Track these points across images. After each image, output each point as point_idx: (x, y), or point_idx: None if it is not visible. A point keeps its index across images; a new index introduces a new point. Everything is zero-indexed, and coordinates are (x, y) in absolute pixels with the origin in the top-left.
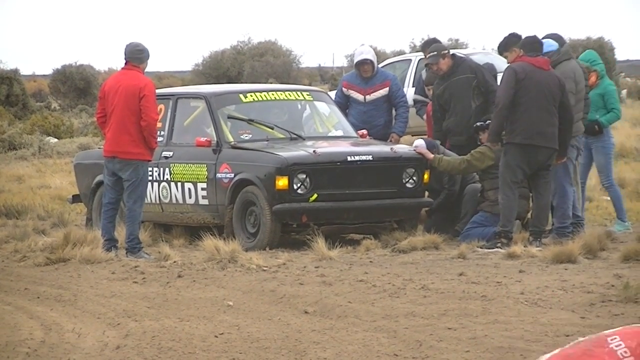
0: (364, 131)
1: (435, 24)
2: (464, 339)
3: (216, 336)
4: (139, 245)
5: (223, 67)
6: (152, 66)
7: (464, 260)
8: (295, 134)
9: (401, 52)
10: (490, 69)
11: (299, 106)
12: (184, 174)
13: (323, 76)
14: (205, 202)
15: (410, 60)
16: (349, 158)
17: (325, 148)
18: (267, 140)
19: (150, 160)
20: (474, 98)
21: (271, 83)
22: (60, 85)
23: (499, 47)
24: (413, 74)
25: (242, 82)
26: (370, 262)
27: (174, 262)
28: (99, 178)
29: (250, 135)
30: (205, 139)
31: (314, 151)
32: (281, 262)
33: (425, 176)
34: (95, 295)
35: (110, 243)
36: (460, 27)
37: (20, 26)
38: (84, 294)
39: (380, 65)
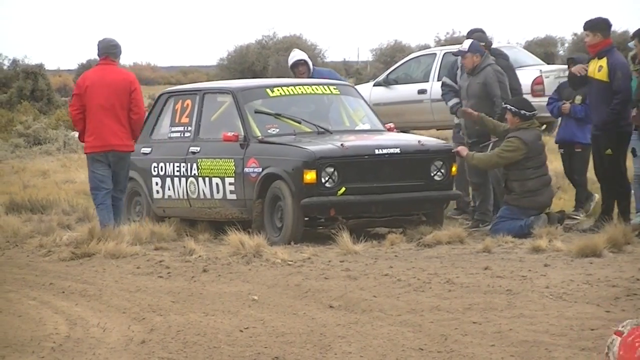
0: (392, 124)
1: (460, 18)
2: (489, 333)
3: (241, 330)
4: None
5: (248, 62)
6: (176, 60)
7: (489, 254)
8: (322, 128)
9: (426, 47)
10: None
11: (326, 100)
12: (212, 169)
13: (348, 70)
14: (233, 196)
15: (435, 54)
16: (376, 151)
17: (352, 141)
18: (295, 135)
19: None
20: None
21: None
22: None
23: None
24: (438, 68)
25: (267, 77)
26: (395, 256)
27: (199, 256)
28: None
29: (278, 130)
30: (233, 133)
31: (341, 145)
32: (306, 256)
33: (453, 169)
34: (120, 290)
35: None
36: (485, 21)
37: (45, 21)
38: (109, 288)
39: (405, 59)
